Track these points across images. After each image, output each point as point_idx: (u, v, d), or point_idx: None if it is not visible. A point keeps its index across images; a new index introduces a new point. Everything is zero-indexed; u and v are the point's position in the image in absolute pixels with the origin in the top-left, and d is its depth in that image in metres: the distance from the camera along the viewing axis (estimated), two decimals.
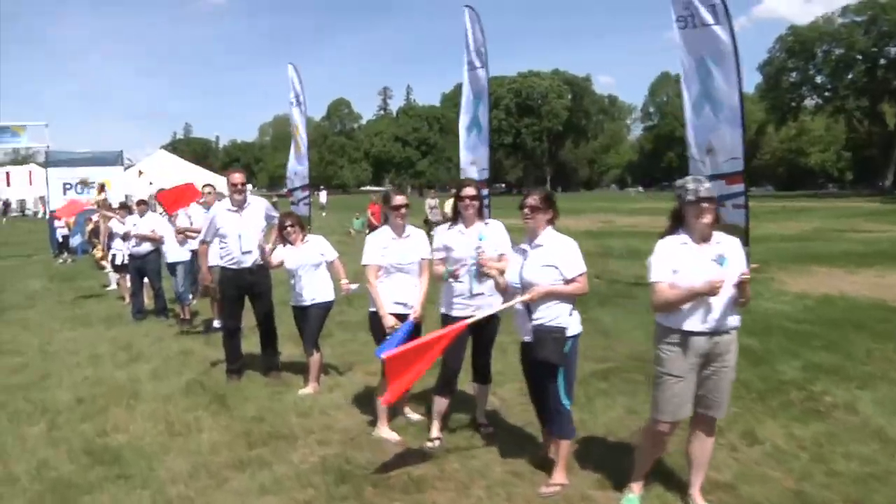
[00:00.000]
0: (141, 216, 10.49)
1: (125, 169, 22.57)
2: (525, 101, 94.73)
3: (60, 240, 20.05)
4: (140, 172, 24.42)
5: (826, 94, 72.73)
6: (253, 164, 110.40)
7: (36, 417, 5.96)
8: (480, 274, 5.08)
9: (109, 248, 13.67)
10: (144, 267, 10.46)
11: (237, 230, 6.88)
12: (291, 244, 6.71)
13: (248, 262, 6.90)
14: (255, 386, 6.81)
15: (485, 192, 14.89)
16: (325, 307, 6.76)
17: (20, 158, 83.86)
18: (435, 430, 5.28)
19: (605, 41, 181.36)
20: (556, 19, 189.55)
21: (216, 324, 9.52)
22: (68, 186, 21.81)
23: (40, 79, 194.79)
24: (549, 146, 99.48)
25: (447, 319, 5.17)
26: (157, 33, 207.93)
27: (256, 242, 6.84)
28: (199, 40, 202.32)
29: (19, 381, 7.13)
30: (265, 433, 5.48)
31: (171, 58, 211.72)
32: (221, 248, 7.00)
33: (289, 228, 6.68)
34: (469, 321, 4.74)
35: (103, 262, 16.50)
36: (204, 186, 9.45)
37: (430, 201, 21.70)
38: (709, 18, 10.60)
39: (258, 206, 7.13)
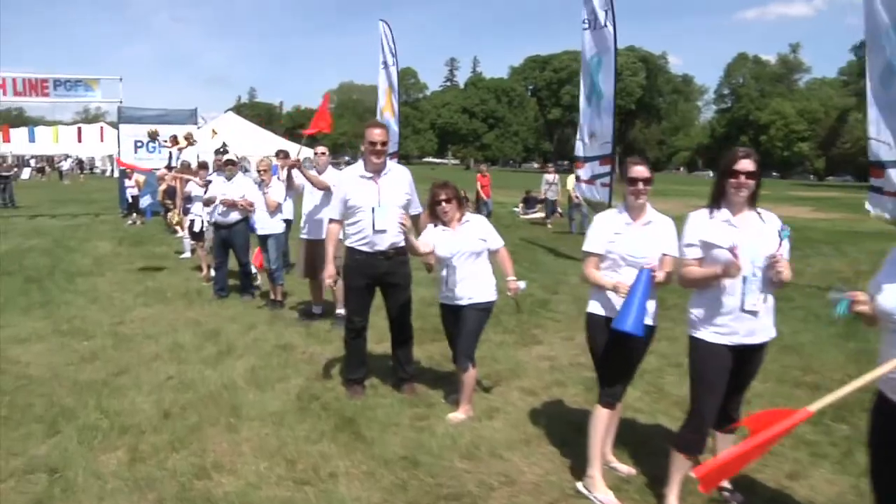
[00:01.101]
0: (229, 179, 9.01)
1: (198, 128, 21.27)
2: None
3: (130, 200, 18.97)
4: (214, 132, 23.22)
5: None
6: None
7: (113, 439, 4.49)
8: (771, 283, 3.55)
9: (186, 211, 12.39)
10: (231, 238, 9.00)
11: (371, 202, 5.28)
12: (445, 225, 5.09)
13: (383, 244, 5.31)
14: (388, 405, 5.23)
15: (606, 168, 13.30)
16: (486, 309, 5.15)
17: (90, 117, 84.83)
18: (673, 499, 3.67)
19: (675, 20, 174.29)
20: None
21: (315, 309, 8.06)
22: (139, 144, 20.74)
23: (111, 39, 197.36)
24: (619, 125, 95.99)
25: (706, 347, 3.60)
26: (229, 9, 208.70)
27: (396, 220, 5.24)
28: (265, 6, 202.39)
29: (90, 378, 5.71)
30: (428, 489, 3.90)
31: (237, 23, 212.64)
32: (350, 226, 5.42)
33: (444, 204, 5.05)
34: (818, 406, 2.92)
35: (177, 227, 15.37)
36: (317, 147, 7.91)
37: (549, 177, 19.85)
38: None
39: (401, 174, 5.52)
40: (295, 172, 7.90)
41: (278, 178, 9.45)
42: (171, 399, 5.21)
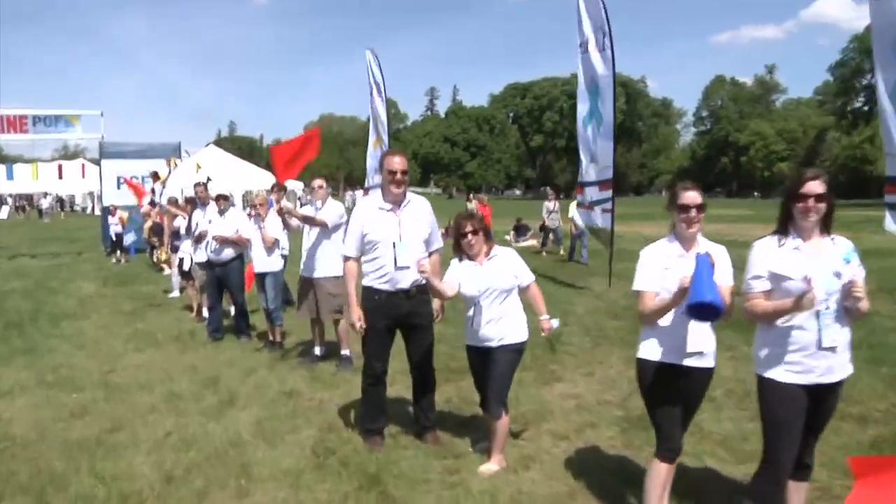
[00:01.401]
0: (221, 213, 8.57)
1: (181, 161, 20.76)
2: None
3: (114, 237, 18.41)
4: (198, 166, 22.68)
5: None
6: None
7: None
8: (848, 313, 3.25)
9: (175, 249, 11.92)
10: (226, 276, 8.54)
11: (392, 236, 4.87)
12: (471, 260, 4.68)
13: (405, 281, 4.89)
14: (412, 458, 4.77)
15: (606, 194, 12.97)
16: (518, 350, 4.73)
17: (69, 153, 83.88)
18: None
19: (652, 45, 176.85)
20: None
21: (318, 351, 7.59)
22: (122, 180, 20.20)
23: (93, 73, 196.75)
24: None
25: (780, 388, 3.28)
26: (203, 34, 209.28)
27: (417, 254, 4.84)
28: (244, 41, 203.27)
29: (81, 436, 5.21)
30: None
31: (215, 58, 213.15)
32: (367, 262, 5.00)
33: (470, 237, 4.65)
34: None
35: (164, 265, 14.86)
36: (315, 179, 7.46)
37: (549, 204, 19.35)
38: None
39: (421, 205, 5.12)
40: (287, 216, 7.47)
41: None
42: (173, 459, 4.72)
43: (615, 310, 10.51)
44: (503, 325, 4.61)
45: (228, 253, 8.43)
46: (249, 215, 8.79)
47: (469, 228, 4.62)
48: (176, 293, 12.41)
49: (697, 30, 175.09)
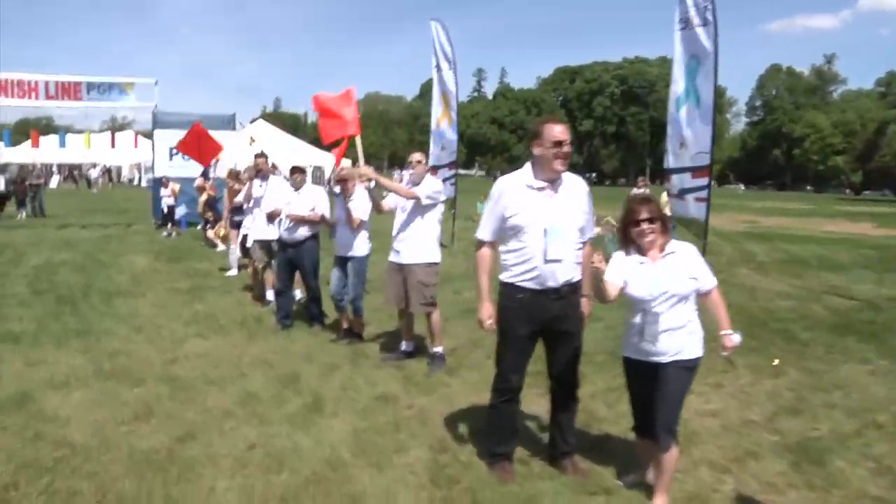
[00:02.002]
0: (297, 188, 7.69)
1: (236, 133, 20.08)
2: (631, 89, 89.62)
3: (165, 210, 17.77)
4: (252, 140, 22.09)
5: None
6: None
7: None
8: None
9: (236, 224, 11.16)
10: (299, 258, 7.67)
11: (542, 221, 3.92)
12: (641, 254, 3.71)
13: (556, 278, 3.94)
14: (553, 491, 3.88)
15: (700, 181, 11.82)
16: (693, 367, 3.78)
17: (117, 126, 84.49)
18: None
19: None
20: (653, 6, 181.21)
21: (405, 346, 6.70)
22: (175, 151, 19.53)
23: (136, 47, 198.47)
24: (650, 137, 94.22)
25: None
26: (249, 7, 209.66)
27: (572, 246, 3.89)
28: (290, 17, 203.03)
29: (149, 446, 4.36)
30: None
31: (260, 32, 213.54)
32: (509, 253, 4.05)
33: (645, 225, 3.68)
34: None
35: (216, 240, 14.14)
36: (413, 154, 6.54)
37: (638, 192, 17.70)
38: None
39: (578, 186, 4.14)
40: (375, 188, 6.53)
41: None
42: (263, 484, 3.85)
43: None
44: (679, 338, 3.66)
45: (303, 232, 7.56)
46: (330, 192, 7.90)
47: (645, 215, 3.65)
48: (234, 271, 11.66)
49: (748, 17, 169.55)
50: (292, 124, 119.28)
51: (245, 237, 9.85)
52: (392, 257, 6.46)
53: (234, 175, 12.03)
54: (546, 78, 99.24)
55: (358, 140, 6.35)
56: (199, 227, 16.77)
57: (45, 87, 18.28)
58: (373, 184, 6.86)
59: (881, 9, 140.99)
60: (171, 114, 19.77)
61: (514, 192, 3.99)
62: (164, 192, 17.70)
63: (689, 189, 11.82)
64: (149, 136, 27.40)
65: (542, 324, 4.02)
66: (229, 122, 19.98)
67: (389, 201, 6.48)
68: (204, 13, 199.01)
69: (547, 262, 3.90)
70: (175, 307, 8.85)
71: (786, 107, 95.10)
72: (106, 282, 10.55)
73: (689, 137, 11.79)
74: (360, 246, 7.14)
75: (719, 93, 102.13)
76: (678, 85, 12.28)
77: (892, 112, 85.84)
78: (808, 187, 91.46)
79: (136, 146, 30.90)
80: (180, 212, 18.12)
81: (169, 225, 17.84)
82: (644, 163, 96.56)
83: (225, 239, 12.35)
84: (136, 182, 51.73)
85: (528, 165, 4.08)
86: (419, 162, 6.38)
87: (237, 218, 11.50)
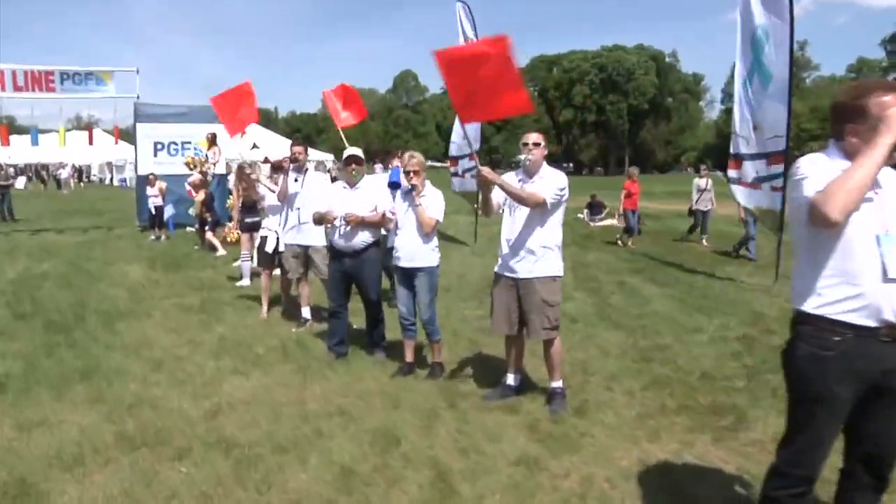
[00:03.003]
0: (352, 183, 6.13)
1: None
2: (610, 77, 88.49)
3: (153, 211, 15.99)
4: (242, 132, 20.25)
5: None
6: (315, 135, 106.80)
7: None
8: None
9: (248, 227, 9.63)
10: (358, 270, 6.10)
11: (874, 225, 2.47)
12: None
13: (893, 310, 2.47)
14: None
15: (777, 168, 10.43)
16: None
17: (82, 125, 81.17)
18: None
19: (674, 20, 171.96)
20: None
21: (511, 380, 5.23)
22: (160, 146, 17.79)
23: (100, 44, 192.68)
24: (629, 125, 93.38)
25: None
26: (215, 4, 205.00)
27: None
28: (258, 12, 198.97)
29: None
30: None
31: (227, 29, 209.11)
32: (814, 270, 2.58)
33: None
34: None
35: (217, 243, 12.52)
36: (529, 135, 5.00)
37: (701, 181, 16.18)
38: None
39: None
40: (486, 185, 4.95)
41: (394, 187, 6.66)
42: None
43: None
44: None
45: (363, 238, 6.01)
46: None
47: None
48: (246, 281, 10.07)
49: (713, 6, 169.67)
50: (264, 119, 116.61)
51: (264, 241, 8.24)
52: (503, 270, 4.96)
53: (243, 170, 10.40)
54: (523, 67, 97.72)
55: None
56: (193, 228, 15.08)
57: (12, 78, 16.32)
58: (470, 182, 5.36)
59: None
60: (154, 105, 17.95)
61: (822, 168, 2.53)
62: (150, 191, 15.92)
63: (766, 177, 10.55)
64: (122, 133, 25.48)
65: (869, 383, 2.55)
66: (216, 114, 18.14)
67: (498, 198, 4.97)
68: (170, 10, 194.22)
69: (888, 280, 2.43)
70: (192, 331, 7.26)
71: None
72: (100, 299, 8.87)
73: (762, 120, 10.52)
74: (431, 254, 5.63)
75: (696, 80, 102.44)
76: (744, 61, 10.98)
77: None
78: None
79: (116, 142, 28.73)
80: (168, 212, 16.37)
81: (156, 227, 16.06)
82: (623, 152, 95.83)
83: (238, 242, 10.74)
84: (107, 181, 49.37)
85: (833, 148, 2.61)
86: (537, 145, 4.88)
87: (249, 219, 9.94)
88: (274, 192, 7.77)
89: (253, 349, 6.48)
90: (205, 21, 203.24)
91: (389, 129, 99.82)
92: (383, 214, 5.84)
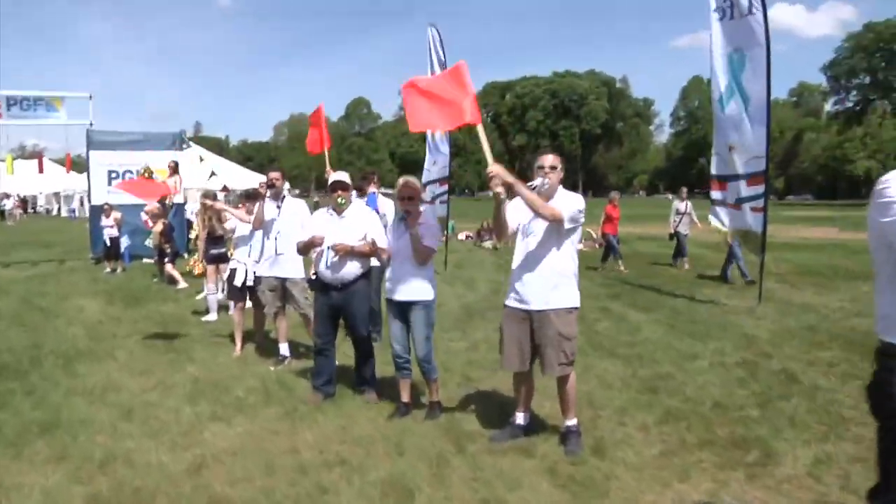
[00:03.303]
0: (339, 211, 5.70)
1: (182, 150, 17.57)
2: (563, 103, 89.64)
3: (108, 242, 15.22)
4: (201, 158, 19.73)
5: None
6: (266, 164, 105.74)
7: None
8: None
9: (214, 259, 9.12)
10: (347, 303, 5.64)
11: None
12: None
13: None
14: None
15: (757, 189, 10.34)
16: None
17: (26, 154, 78.68)
18: None
19: (622, 46, 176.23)
20: (565, 22, 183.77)
21: (521, 420, 4.85)
22: (114, 175, 17.03)
23: (52, 73, 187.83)
24: (582, 150, 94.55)
25: None
26: (166, 35, 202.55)
27: None
28: (207, 42, 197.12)
29: None
30: None
31: (178, 59, 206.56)
32: None
33: None
34: None
35: (178, 279, 11.90)
36: (545, 157, 4.62)
37: (680, 205, 15.95)
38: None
39: None
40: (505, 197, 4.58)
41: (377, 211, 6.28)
42: None
43: (800, 332, 8.21)
44: None
45: (352, 269, 5.57)
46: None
47: None
48: (213, 315, 9.51)
49: (659, 33, 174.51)
50: (216, 148, 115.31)
51: (233, 273, 7.70)
52: (514, 302, 4.59)
53: (211, 197, 9.87)
54: (476, 93, 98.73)
55: (480, 130, 4.44)
56: (151, 259, 14.39)
57: None
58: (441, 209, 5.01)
59: (776, 27, 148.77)
60: (109, 132, 17.22)
61: None
62: (105, 221, 15.16)
63: (745, 198, 10.50)
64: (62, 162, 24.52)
65: None
66: (174, 143, 17.52)
67: (512, 221, 4.60)
68: (117, 38, 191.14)
69: None
70: (161, 372, 6.68)
71: (709, 116, 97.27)
72: (57, 339, 8.20)
73: (739, 141, 10.48)
74: (427, 286, 5.22)
75: (646, 105, 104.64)
76: (720, 81, 10.95)
77: (807, 120, 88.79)
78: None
79: (68, 171, 27.61)
80: (123, 243, 15.62)
81: (110, 260, 15.28)
82: (577, 176, 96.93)
83: (203, 274, 10.16)
84: (54, 212, 47.69)
85: None
86: (553, 168, 4.54)
87: (214, 250, 9.42)
88: (246, 221, 7.29)
89: (231, 391, 5.95)
90: (153, 49, 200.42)
91: (343, 156, 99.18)
92: (373, 244, 5.41)
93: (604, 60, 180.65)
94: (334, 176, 5.66)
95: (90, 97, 16.85)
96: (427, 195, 15.09)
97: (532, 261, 4.50)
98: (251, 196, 7.75)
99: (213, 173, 18.28)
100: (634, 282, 13.19)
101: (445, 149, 14.34)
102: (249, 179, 32.70)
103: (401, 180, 5.26)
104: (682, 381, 6.33)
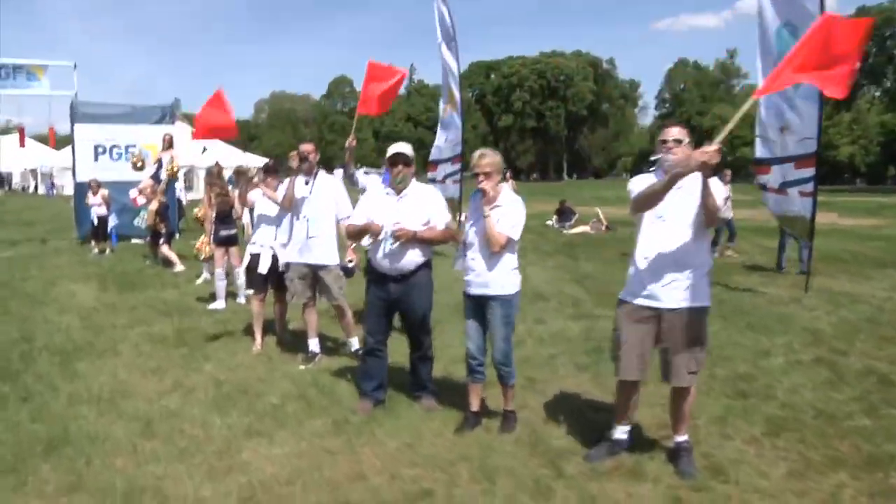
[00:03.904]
0: (398, 189, 4.85)
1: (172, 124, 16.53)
2: (550, 83, 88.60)
3: (96, 222, 14.21)
4: (204, 149, 18.60)
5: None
6: (248, 142, 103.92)
7: None
8: None
9: (224, 241, 8.28)
10: (408, 296, 4.79)
11: None
12: None
13: None
14: None
15: (806, 172, 9.61)
16: None
17: (1, 129, 76.45)
18: None
19: (605, 27, 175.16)
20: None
21: (622, 433, 4.07)
22: (101, 150, 15.97)
23: (21, 48, 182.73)
24: (567, 131, 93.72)
25: None
26: (145, 6, 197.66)
27: None
28: (188, 17, 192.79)
29: None
30: None
31: (156, 33, 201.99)
32: None
33: None
34: None
35: (175, 261, 11.03)
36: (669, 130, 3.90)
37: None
38: None
39: None
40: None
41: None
42: None
43: (861, 324, 7.68)
44: None
45: (413, 258, 4.73)
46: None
47: None
48: (221, 303, 8.66)
49: (638, 15, 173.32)
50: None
51: (255, 259, 6.80)
52: (637, 298, 3.84)
53: (218, 174, 9.01)
54: (461, 73, 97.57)
55: None
56: (142, 240, 13.47)
57: None
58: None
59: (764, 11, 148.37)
60: (95, 104, 16.11)
61: None
62: (92, 199, 14.11)
63: (792, 182, 9.79)
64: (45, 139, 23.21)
65: None
66: (164, 117, 16.48)
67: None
68: (93, 10, 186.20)
69: None
70: (175, 371, 5.83)
71: (694, 99, 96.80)
72: (50, 330, 7.30)
73: (792, 120, 9.74)
74: (505, 279, 4.41)
75: (632, 87, 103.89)
76: (768, 58, 10.22)
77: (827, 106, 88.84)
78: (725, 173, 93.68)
79: (53, 145, 26.26)
80: (111, 223, 14.63)
81: (94, 240, 14.28)
82: (561, 158, 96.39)
83: (210, 258, 9.30)
84: (31, 189, 46.14)
85: None
86: (678, 142, 3.80)
87: (224, 231, 8.57)
88: (275, 201, 6.40)
89: (264, 397, 5.12)
90: (129, 24, 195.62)
91: (325, 134, 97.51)
92: (445, 229, 4.61)
93: (588, 41, 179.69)
94: (395, 147, 4.81)
95: (74, 66, 15.72)
96: (438, 174, 14.24)
97: (666, 251, 3.77)
98: (270, 170, 6.85)
99: (204, 148, 17.21)
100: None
101: (458, 121, 13.37)
102: (236, 157, 31.65)
103: (475, 154, 4.43)
104: (766, 382, 5.65)
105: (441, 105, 14.34)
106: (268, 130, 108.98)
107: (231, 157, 27.82)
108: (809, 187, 9.54)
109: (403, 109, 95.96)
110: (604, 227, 19.41)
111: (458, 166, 13.78)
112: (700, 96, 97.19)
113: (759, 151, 10.45)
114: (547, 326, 7.55)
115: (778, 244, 12.34)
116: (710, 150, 3.40)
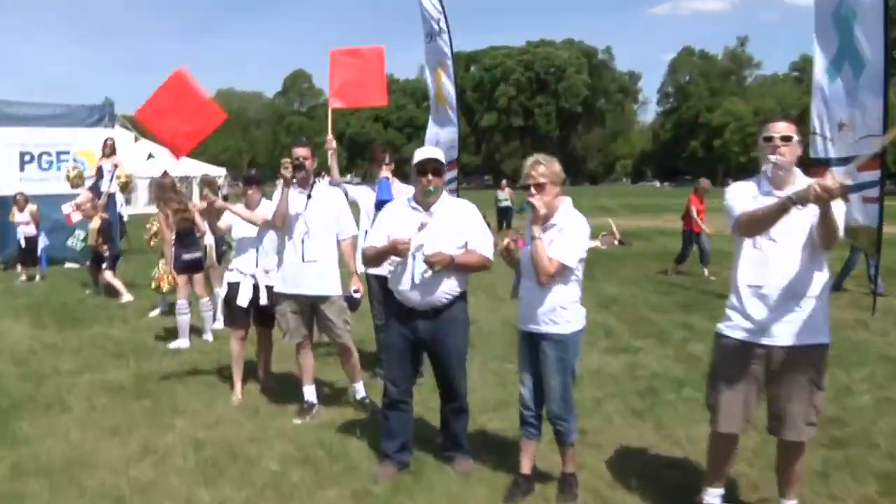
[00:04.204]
0: (426, 206, 4.53)
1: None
2: (539, 76, 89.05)
3: (23, 243, 13.70)
4: (136, 138, 18.23)
5: None
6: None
7: None
8: None
9: (185, 265, 7.94)
10: (440, 335, 4.45)
11: None
12: None
13: None
14: None
15: (872, 175, 9.46)
16: None
17: None
18: None
19: (599, 15, 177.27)
20: None
21: (712, 498, 3.75)
22: (28, 158, 15.47)
23: None
24: (559, 130, 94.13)
25: None
26: (76, 4, 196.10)
27: None
28: (119, 8, 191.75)
29: None
30: None
31: (84, 26, 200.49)
32: None
33: None
34: None
35: (122, 291, 10.61)
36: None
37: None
38: None
39: None
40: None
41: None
42: None
43: None
44: None
45: (449, 289, 4.40)
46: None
47: None
48: (184, 342, 8.27)
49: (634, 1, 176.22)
50: (133, 127, 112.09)
51: (234, 289, 6.38)
52: (741, 333, 3.62)
53: (209, 183, 8.72)
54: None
55: None
56: (77, 265, 13.07)
57: None
58: None
59: None
60: (20, 104, 15.66)
61: None
62: (19, 216, 13.61)
63: (855, 186, 9.56)
64: None
65: None
66: (101, 119, 16.05)
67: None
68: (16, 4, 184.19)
69: None
70: (143, 433, 5.42)
71: (701, 93, 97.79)
72: None
73: (851, 116, 9.57)
74: (559, 313, 4.09)
75: (633, 79, 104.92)
76: (828, 48, 10.01)
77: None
78: (730, 180, 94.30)
79: None
80: (41, 244, 14.15)
81: (23, 266, 13.77)
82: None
83: (172, 285, 8.93)
84: None
85: None
86: (786, 140, 3.57)
87: (187, 255, 8.22)
88: (253, 221, 6.04)
89: (259, 463, 4.75)
90: (53, 16, 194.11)
91: (280, 137, 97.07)
92: (484, 255, 4.34)
93: (580, 28, 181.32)
94: (423, 153, 4.51)
95: None
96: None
97: (777, 276, 3.51)
98: (252, 181, 6.50)
99: (150, 155, 16.83)
100: (693, 287, 12.32)
101: (454, 116, 12.79)
102: (184, 166, 31.14)
103: (528, 161, 4.14)
104: (861, 426, 5.47)
105: (431, 97, 13.91)
106: (215, 134, 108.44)
107: (179, 167, 27.32)
108: (875, 192, 9.41)
109: (371, 109, 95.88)
110: (616, 241, 19.24)
111: (453, 172, 13.45)
112: (708, 89, 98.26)
113: (813, 151, 10.30)
114: (582, 363, 7.24)
115: (845, 261, 12.01)
116: (833, 188, 3.12)
